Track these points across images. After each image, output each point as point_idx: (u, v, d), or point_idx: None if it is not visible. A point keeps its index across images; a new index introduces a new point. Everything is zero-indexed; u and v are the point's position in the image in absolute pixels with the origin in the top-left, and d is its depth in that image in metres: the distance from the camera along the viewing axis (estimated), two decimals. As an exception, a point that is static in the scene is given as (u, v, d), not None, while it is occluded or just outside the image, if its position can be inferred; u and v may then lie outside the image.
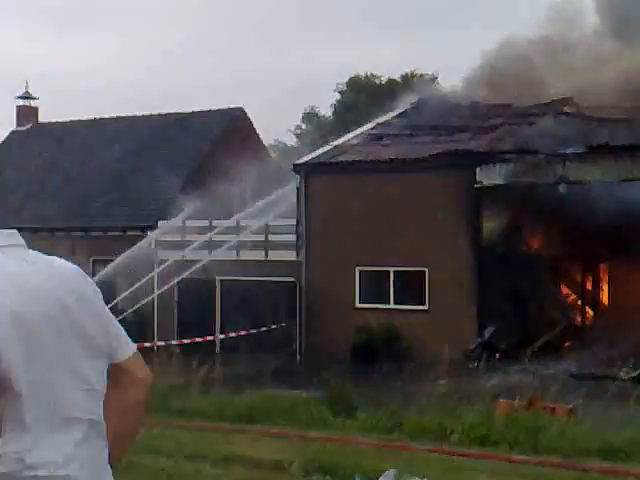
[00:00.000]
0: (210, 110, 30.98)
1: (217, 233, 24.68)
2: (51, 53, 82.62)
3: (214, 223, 25.03)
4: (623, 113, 22.04)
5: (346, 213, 23.18)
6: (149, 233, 25.68)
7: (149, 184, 28.48)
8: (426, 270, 22.18)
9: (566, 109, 24.16)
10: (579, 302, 25.16)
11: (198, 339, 21.98)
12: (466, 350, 20.62)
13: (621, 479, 9.51)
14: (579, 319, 24.74)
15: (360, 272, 23.18)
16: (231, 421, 12.83)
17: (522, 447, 11.08)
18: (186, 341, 22.00)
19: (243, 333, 22.32)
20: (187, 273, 23.92)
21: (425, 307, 22.25)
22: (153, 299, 24.75)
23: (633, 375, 17.63)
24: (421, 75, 46.26)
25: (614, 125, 21.27)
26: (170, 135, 30.33)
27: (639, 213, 20.49)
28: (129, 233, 25.51)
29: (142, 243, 24.72)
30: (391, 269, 22.75)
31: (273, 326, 22.96)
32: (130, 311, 23.87)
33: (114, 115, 32.83)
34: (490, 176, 21.41)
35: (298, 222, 23.94)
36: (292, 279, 23.47)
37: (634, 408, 11.68)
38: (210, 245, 24.71)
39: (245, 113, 31.21)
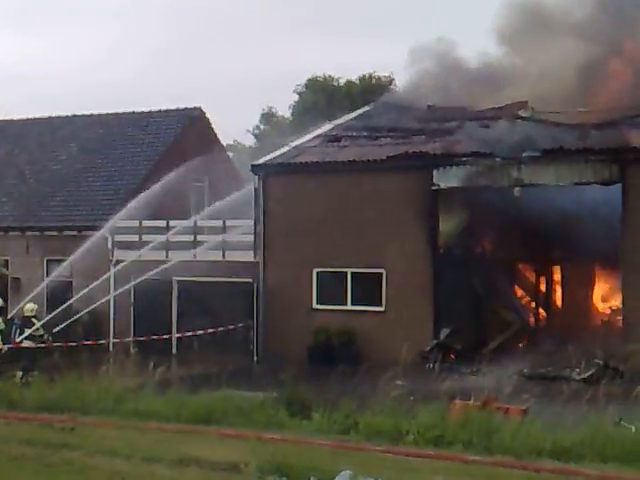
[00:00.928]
0: (168, 110, 30.81)
1: (174, 233, 24.52)
2: (7, 51, 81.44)
3: (171, 223, 24.88)
4: (576, 117, 22.39)
5: (304, 214, 23.21)
6: (105, 233, 25.42)
7: (105, 184, 28.24)
8: (383, 271, 22.29)
9: (521, 113, 24.46)
10: (533, 303, 25.49)
11: (154, 337, 21.82)
12: (422, 351, 20.76)
13: (571, 479, 9.67)
14: (533, 320, 25.06)
15: (318, 273, 23.22)
16: (187, 422, 12.79)
17: (476, 447, 11.23)
18: (141, 339, 21.82)
19: (200, 333, 22.20)
20: (143, 274, 23.72)
21: (382, 308, 22.37)
22: (109, 300, 24.53)
23: (585, 376, 17.88)
24: (379, 78, 46.45)
25: (568, 129, 21.59)
26: (127, 135, 30.11)
27: (591, 216, 20.88)
28: (85, 233, 25.21)
29: (97, 243, 24.46)
30: (348, 270, 22.83)
31: (230, 327, 22.88)
32: (85, 312, 23.61)
33: (70, 114, 32.49)
34: (447, 178, 21.60)
35: (256, 223, 23.90)
36: (249, 280, 23.43)
37: (585, 408, 11.86)
38: (167, 245, 24.55)
39: (204, 113, 31.08)
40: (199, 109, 30.85)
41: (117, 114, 31.36)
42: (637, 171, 19.55)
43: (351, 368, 15.44)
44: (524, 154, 20.71)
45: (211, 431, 12.18)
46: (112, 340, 23.62)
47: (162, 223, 24.94)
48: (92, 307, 23.06)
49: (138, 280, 22.83)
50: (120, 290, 23.73)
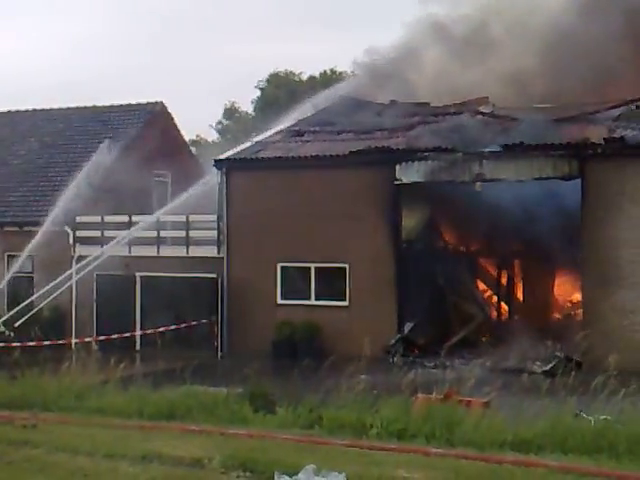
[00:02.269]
0: (129, 104, 30.55)
1: (137, 229, 24.38)
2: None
3: (134, 219, 24.73)
4: (537, 113, 22.63)
5: (268, 209, 23.20)
6: (66, 228, 25.20)
7: (66, 179, 27.94)
8: (347, 266, 22.37)
9: (482, 108, 24.66)
10: (495, 297, 25.71)
11: (117, 334, 21.69)
12: (386, 345, 20.88)
13: (533, 470, 9.81)
14: (495, 314, 25.29)
15: (282, 268, 23.23)
16: (150, 419, 12.75)
17: (438, 440, 11.35)
18: (104, 335, 21.69)
19: (163, 329, 22.10)
20: (105, 269, 23.57)
21: (346, 303, 22.44)
22: (71, 296, 24.33)
23: (546, 368, 18.12)
24: (340, 73, 46.54)
25: (528, 124, 21.79)
26: (88, 129, 29.81)
27: (551, 211, 21.12)
28: (45, 229, 24.92)
29: (58, 238, 24.25)
30: (312, 265, 22.87)
31: (194, 322, 22.82)
32: (45, 307, 23.41)
33: (30, 109, 32.10)
34: (409, 173, 21.71)
35: (219, 218, 23.84)
36: (213, 275, 23.38)
37: (546, 400, 12.02)
38: (130, 241, 24.40)
39: (165, 108, 30.87)
40: (161, 104, 30.65)
41: (78, 108, 31.05)
42: (596, 166, 19.82)
43: (315, 363, 15.48)
44: (485, 149, 20.89)
45: (174, 427, 12.15)
46: (74, 337, 23.45)
47: (124, 218, 24.78)
48: (48, 301, 22.83)
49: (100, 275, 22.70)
50: (81, 284, 23.56)
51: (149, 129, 29.58)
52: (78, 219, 25.27)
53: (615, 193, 19.52)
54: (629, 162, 19.45)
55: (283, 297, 23.18)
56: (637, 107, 21.99)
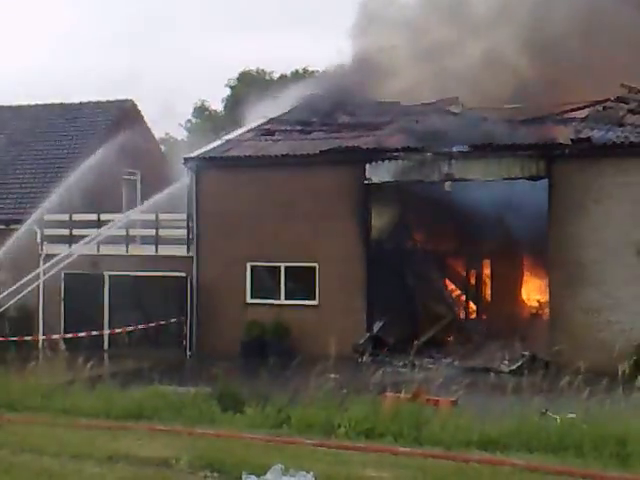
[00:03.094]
0: (99, 101, 30.34)
1: (111, 228, 24.21)
2: None
3: (103, 217, 24.55)
4: (505, 113, 22.79)
5: (237, 208, 23.15)
6: (34, 227, 24.95)
7: (33, 176, 27.69)
8: (316, 265, 22.38)
9: (452, 108, 24.80)
10: (463, 297, 25.88)
11: (85, 333, 21.54)
12: (355, 344, 20.93)
13: (499, 469, 9.88)
14: (463, 314, 25.45)
15: (251, 268, 23.20)
16: (117, 419, 12.67)
17: (406, 439, 11.38)
18: (72, 334, 21.53)
19: (131, 329, 21.98)
20: (74, 268, 23.38)
21: (315, 302, 22.46)
22: (39, 295, 24.10)
23: (513, 368, 18.26)
24: (312, 72, 46.53)
25: (497, 125, 21.95)
26: (56, 126, 29.55)
27: (520, 210, 21.31)
28: (12, 227, 24.69)
29: (25, 236, 24.00)
30: (282, 265, 22.85)
31: (163, 322, 22.71)
32: (12, 307, 23.16)
33: (-3, 104, 31.76)
34: (379, 173, 21.78)
35: (189, 217, 23.75)
36: (183, 274, 23.29)
37: (513, 399, 12.12)
38: (98, 239, 24.22)
39: (135, 105, 30.70)
40: (130, 101, 30.48)
41: (46, 105, 30.75)
42: (563, 167, 20.01)
43: (284, 362, 15.49)
44: (454, 149, 21.01)
45: (142, 427, 12.08)
46: (41, 336, 23.24)
47: (93, 217, 24.59)
48: (14, 301, 22.58)
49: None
50: (49, 283, 23.34)
51: (118, 127, 29.39)
52: (46, 217, 25.04)
53: (581, 193, 19.72)
54: (595, 163, 19.66)
55: (252, 296, 23.15)
56: (604, 108, 22.22)
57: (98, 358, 16.97)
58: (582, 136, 20.13)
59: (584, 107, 23.08)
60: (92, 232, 24.00)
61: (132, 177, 29.80)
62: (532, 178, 20.35)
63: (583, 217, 19.69)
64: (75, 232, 24.59)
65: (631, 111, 21.72)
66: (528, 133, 21.24)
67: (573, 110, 23.11)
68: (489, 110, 23.28)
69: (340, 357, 14.18)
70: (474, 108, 23.97)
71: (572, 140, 19.96)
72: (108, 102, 30.24)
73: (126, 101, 30.35)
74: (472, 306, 25.96)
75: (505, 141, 20.55)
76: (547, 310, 21.34)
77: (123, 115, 29.85)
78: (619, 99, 22.83)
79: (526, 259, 25.56)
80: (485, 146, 20.58)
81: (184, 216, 23.87)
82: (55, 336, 22.03)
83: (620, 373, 12.01)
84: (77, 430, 11.91)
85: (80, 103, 30.44)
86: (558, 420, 11.43)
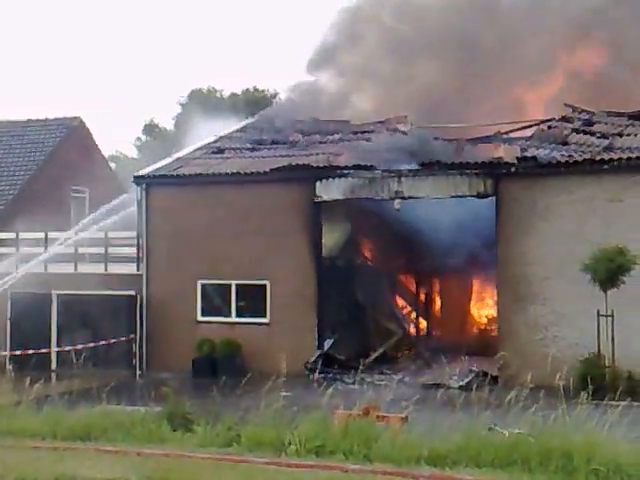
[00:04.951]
0: (46, 119, 30.05)
1: (53, 246, 23.91)
2: None
3: (50, 235, 24.25)
4: (453, 132, 23.14)
5: (188, 226, 23.06)
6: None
7: (-21, 193, 27.29)
8: (267, 283, 22.37)
9: (400, 127, 25.07)
10: (413, 313, 26.06)
11: (32, 352, 21.17)
12: (306, 362, 20.94)
13: (447, 484, 9.96)
14: (413, 330, 25.62)
15: (202, 285, 23.10)
16: (64, 440, 12.50)
17: (356, 456, 11.42)
18: (18, 353, 21.15)
19: (80, 347, 21.69)
20: (21, 287, 23.04)
21: (266, 320, 22.42)
22: (-17, 314, 23.66)
23: (462, 383, 18.43)
24: (262, 90, 46.73)
25: (445, 143, 22.25)
26: (3, 144, 29.18)
27: (469, 228, 21.57)
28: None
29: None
30: (233, 282, 22.79)
31: (112, 340, 22.47)
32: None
33: (-59, 121, 31.23)
34: (329, 190, 21.88)
35: (139, 235, 23.58)
36: (133, 292, 23.09)
37: (461, 415, 12.23)
38: (45, 258, 23.91)
39: (83, 123, 30.46)
40: (79, 119, 30.24)
41: (-7, 123, 30.40)
42: (509, 185, 20.31)
43: (235, 380, 15.45)
44: (403, 167, 21.22)
45: (89, 448, 11.94)
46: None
47: (41, 235, 24.29)
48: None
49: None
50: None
51: (66, 144, 29.16)
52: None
53: (527, 211, 20.03)
54: (541, 181, 19.99)
55: (203, 314, 23.04)
56: (549, 127, 22.67)
57: (46, 378, 16.72)
58: (528, 155, 20.47)
59: (529, 126, 23.53)
60: (39, 250, 23.71)
61: (80, 194, 29.51)
62: (480, 196, 20.62)
63: (530, 234, 20.00)
64: (22, 250, 24.26)
65: (575, 130, 22.18)
66: (475, 152, 21.54)
67: (519, 129, 23.55)
68: (437, 129, 23.60)
69: (291, 374, 14.17)
70: (422, 127, 24.28)
71: (518, 159, 20.29)
72: (56, 119, 29.97)
73: (74, 118, 30.11)
74: (422, 322, 26.14)
75: (453, 159, 20.82)
76: (495, 326, 21.58)
77: (71, 133, 29.60)
78: (564, 118, 23.33)
79: (475, 276, 25.85)
80: (433, 164, 20.81)
81: (134, 234, 23.70)
82: (3, 353, 21.65)
83: (566, 388, 12.19)
84: (23, 452, 11.72)
85: (27, 121, 30.11)
86: (506, 434, 11.56)
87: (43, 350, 21.88)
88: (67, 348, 21.94)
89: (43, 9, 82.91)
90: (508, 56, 26.02)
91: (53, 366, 23.06)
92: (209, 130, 27.11)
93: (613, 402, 12.80)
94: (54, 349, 23.13)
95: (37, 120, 30.10)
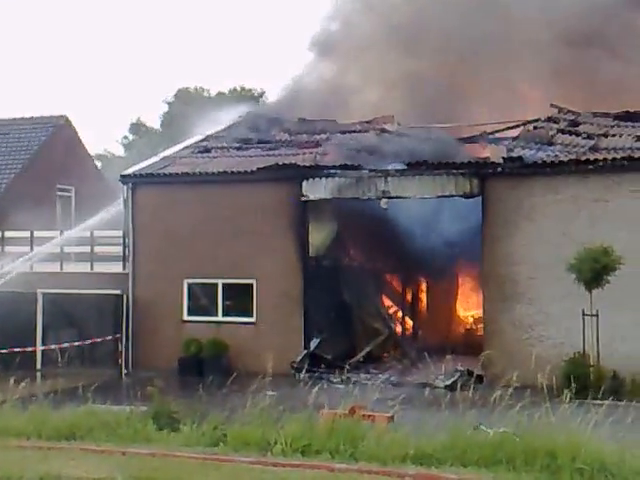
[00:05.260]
0: (32, 118, 29.95)
1: (40, 245, 23.82)
2: None
3: (36, 234, 24.16)
4: (440, 132, 23.18)
5: (174, 225, 23.03)
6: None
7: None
8: (254, 282, 22.36)
9: (387, 127, 25.11)
10: (400, 313, 26.10)
11: (17, 351, 21.07)
12: (292, 362, 20.95)
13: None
14: (400, 329, 25.66)
15: (188, 285, 23.07)
16: (49, 439, 12.45)
17: (342, 455, 11.43)
18: (3, 351, 21.03)
19: (66, 347, 21.60)
20: (6, 286, 22.94)
21: (253, 319, 22.41)
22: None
23: (448, 383, 18.48)
24: (249, 90, 46.73)
25: (432, 143, 22.29)
26: (-12, 142, 29.08)
27: (456, 227, 21.64)
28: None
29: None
30: (219, 281, 22.78)
31: (98, 340, 22.41)
32: None
33: None
34: (316, 190, 21.90)
35: (125, 234, 23.53)
36: (118, 292, 23.03)
37: (447, 414, 12.27)
38: (32, 257, 23.83)
39: (70, 122, 30.37)
40: (65, 117, 30.15)
41: (-22, 121, 30.27)
42: (495, 185, 20.38)
43: (222, 379, 15.43)
44: (390, 167, 21.25)
45: (74, 447, 11.90)
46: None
47: (26, 234, 24.20)
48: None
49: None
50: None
51: (52, 143, 29.06)
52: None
53: (513, 211, 20.11)
54: (526, 181, 20.07)
55: (190, 314, 23.01)
56: (535, 128, 22.75)
57: (31, 377, 16.66)
58: (514, 155, 20.55)
59: (516, 126, 23.62)
60: (25, 249, 23.62)
61: (66, 193, 29.42)
62: (466, 196, 20.69)
63: (516, 234, 20.07)
64: (7, 249, 24.16)
65: (561, 131, 22.28)
66: (462, 151, 21.60)
67: (505, 129, 23.63)
68: (424, 128, 23.64)
69: (277, 374, 14.19)
70: (410, 126, 24.32)
71: (504, 159, 20.37)
72: (42, 118, 29.89)
73: (60, 117, 30.02)
74: (408, 322, 26.18)
75: (439, 159, 20.87)
76: (481, 326, 21.65)
77: (57, 131, 29.52)
78: (549, 119, 23.43)
79: (461, 275, 25.93)
80: (420, 164, 20.86)
81: (120, 233, 23.64)
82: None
83: (551, 387, 12.24)
84: (8, 451, 11.67)
85: (13, 119, 30.01)
86: (491, 433, 11.60)
87: (28, 349, 21.79)
88: (52, 347, 21.88)
89: (30, 8, 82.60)
90: (502, 54, 26.08)
91: (38, 365, 22.96)
92: (196, 129, 27.07)
93: (597, 401, 12.86)
94: (39, 348, 23.04)
95: (23, 119, 30.01)
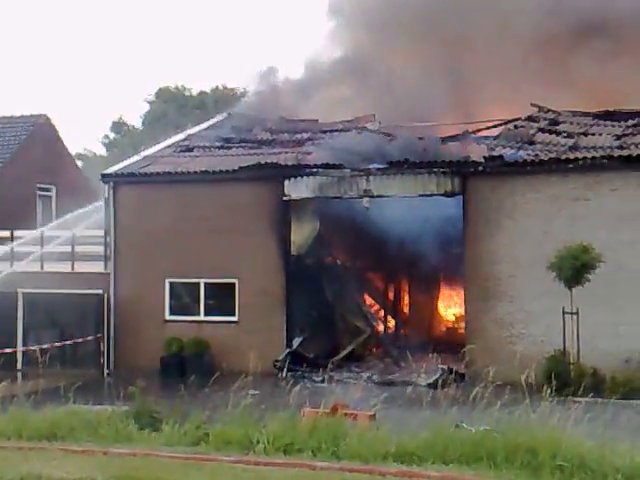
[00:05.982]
0: (12, 117, 29.78)
1: (20, 244, 23.69)
2: None
3: (17, 234, 24.02)
4: (421, 131, 23.25)
5: (156, 224, 22.95)
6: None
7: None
8: (236, 281, 22.34)
9: (369, 126, 25.15)
10: (382, 312, 26.13)
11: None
12: (275, 360, 20.94)
13: (414, 480, 10.03)
14: (382, 328, 25.69)
15: (170, 284, 23.01)
16: (30, 439, 12.40)
17: (324, 454, 11.45)
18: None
19: (47, 347, 21.50)
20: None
21: (235, 318, 22.40)
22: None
23: (430, 381, 18.51)
24: (232, 89, 46.63)
25: (413, 142, 22.34)
26: (-33, 141, 28.90)
27: (438, 226, 21.70)
28: None
29: None
30: (201, 281, 22.74)
31: (80, 340, 22.31)
32: None
33: None
34: (298, 189, 21.90)
35: (106, 233, 23.43)
36: (99, 291, 22.93)
37: (429, 412, 12.31)
38: (12, 257, 23.70)
39: (50, 120, 30.21)
40: (45, 116, 29.99)
41: (-44, 120, 30.06)
42: (477, 183, 20.46)
43: (204, 379, 15.41)
44: (371, 166, 21.29)
45: (55, 448, 11.86)
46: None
47: (6, 233, 24.06)
48: None
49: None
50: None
51: (32, 142, 28.91)
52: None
53: (494, 209, 20.19)
54: (507, 180, 20.16)
55: (172, 313, 22.96)
56: (515, 127, 22.86)
57: (11, 377, 16.58)
58: (494, 154, 20.64)
59: (496, 126, 23.72)
60: (5, 249, 23.48)
61: (47, 193, 29.28)
62: (448, 194, 20.75)
63: (497, 233, 20.16)
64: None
65: (541, 130, 22.39)
66: (443, 150, 21.66)
67: (486, 129, 23.72)
68: (405, 128, 23.69)
69: (260, 373, 14.19)
70: (391, 125, 24.37)
71: (485, 158, 20.45)
72: (22, 117, 29.75)
73: (40, 116, 29.87)
74: (391, 320, 26.22)
75: (421, 158, 20.92)
76: (463, 324, 21.73)
77: (37, 130, 29.36)
78: (530, 118, 23.54)
79: (443, 274, 25.98)
80: (402, 163, 20.90)
81: (101, 232, 23.54)
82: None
83: (532, 384, 12.30)
84: (-13, 452, 11.61)
85: (-8, 118, 29.85)
86: (472, 431, 11.65)
87: (8, 350, 21.65)
88: (33, 347, 21.76)
89: (10, 7, 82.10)
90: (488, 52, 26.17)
91: (19, 365, 22.84)
92: (176, 128, 27.02)
93: (577, 398, 12.95)
94: (20, 348, 22.92)
95: (2, 117, 29.86)
